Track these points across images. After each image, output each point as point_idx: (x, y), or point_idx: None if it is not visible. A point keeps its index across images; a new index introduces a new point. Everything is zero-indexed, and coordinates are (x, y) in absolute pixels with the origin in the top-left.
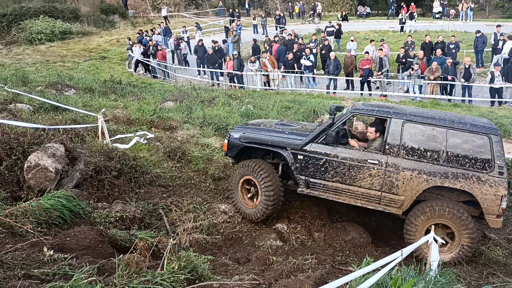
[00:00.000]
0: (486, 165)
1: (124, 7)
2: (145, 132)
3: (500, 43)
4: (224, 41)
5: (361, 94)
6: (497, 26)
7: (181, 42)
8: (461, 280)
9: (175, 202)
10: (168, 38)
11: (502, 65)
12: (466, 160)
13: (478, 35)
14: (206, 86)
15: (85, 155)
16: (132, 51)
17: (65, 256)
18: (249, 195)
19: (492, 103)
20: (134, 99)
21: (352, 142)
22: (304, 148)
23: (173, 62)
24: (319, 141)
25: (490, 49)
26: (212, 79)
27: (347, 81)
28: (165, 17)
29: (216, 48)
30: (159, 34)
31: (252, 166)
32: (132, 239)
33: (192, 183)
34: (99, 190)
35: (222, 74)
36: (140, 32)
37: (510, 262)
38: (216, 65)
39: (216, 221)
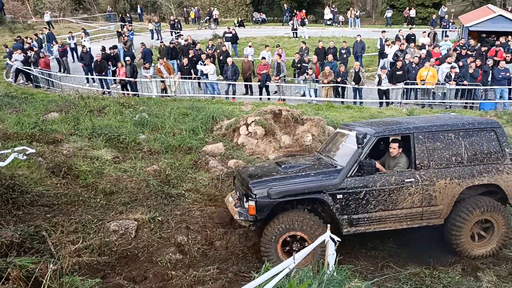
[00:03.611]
0: (499, 155)
1: (0, 12)
2: (24, 147)
3: (386, 47)
4: (115, 47)
5: (260, 98)
6: (382, 32)
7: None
8: (356, 275)
9: (61, 222)
10: (51, 45)
11: (388, 68)
12: (483, 155)
13: (358, 40)
14: (96, 95)
15: None
16: (10, 59)
17: None
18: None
19: (381, 104)
20: (12, 111)
21: (379, 166)
22: (341, 186)
23: (60, 70)
24: (353, 175)
25: (377, 53)
26: (103, 87)
27: (245, 86)
28: (49, 23)
29: (113, 54)
30: (36, 41)
31: (297, 220)
32: (9, 268)
33: (81, 199)
34: None
35: (114, 81)
36: (19, 39)
37: (402, 253)
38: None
39: (108, 239)
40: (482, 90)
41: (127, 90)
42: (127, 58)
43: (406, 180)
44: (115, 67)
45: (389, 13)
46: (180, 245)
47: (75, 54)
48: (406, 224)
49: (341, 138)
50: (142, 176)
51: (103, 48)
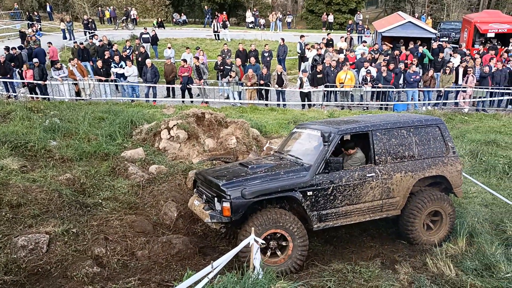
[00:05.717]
0: (444, 149)
1: None
2: None
3: (307, 51)
4: (21, 47)
5: (183, 101)
6: (301, 37)
7: None
8: (281, 276)
9: None
10: None
11: (309, 72)
12: (430, 149)
13: (281, 44)
14: (0, 99)
15: None
16: None
17: None
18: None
19: (303, 106)
20: None
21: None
22: (311, 183)
23: None
24: (320, 172)
25: (297, 57)
26: (8, 90)
27: (167, 88)
28: None
29: (16, 54)
30: None
31: (278, 218)
32: None
33: None
34: None
35: (24, 84)
36: None
37: (326, 250)
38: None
39: (16, 256)
40: (395, 92)
41: (36, 93)
42: (35, 60)
43: (367, 175)
44: (18, 69)
45: (289, 19)
46: (98, 257)
47: None
48: (369, 217)
49: (299, 137)
50: (53, 185)
51: (7, 49)
